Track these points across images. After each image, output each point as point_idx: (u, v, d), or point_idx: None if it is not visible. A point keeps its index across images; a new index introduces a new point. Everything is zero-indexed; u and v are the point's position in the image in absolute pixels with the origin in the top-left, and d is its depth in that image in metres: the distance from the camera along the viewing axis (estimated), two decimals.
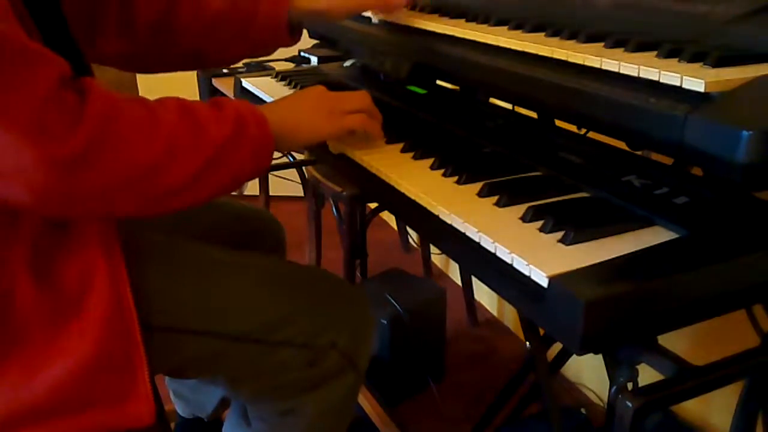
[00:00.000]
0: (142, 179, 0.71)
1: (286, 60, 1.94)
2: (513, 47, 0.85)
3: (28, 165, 0.64)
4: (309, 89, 0.92)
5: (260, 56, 1.15)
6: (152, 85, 2.79)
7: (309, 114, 0.88)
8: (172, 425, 1.34)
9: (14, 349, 0.74)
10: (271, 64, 1.93)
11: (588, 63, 0.74)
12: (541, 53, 0.80)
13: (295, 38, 1.10)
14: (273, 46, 1.11)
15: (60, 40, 0.85)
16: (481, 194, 0.76)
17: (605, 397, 1.58)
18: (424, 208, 0.76)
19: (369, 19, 1.21)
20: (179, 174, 0.72)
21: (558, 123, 1.00)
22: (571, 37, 0.83)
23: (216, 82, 1.92)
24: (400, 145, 0.93)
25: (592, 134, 0.93)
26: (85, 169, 0.66)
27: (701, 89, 0.62)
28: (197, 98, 1.99)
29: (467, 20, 1.02)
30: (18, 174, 0.65)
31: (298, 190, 2.47)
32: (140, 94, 2.82)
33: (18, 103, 0.63)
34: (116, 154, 0.68)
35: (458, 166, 0.82)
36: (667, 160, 0.80)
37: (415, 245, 2.41)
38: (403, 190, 0.81)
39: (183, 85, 2.05)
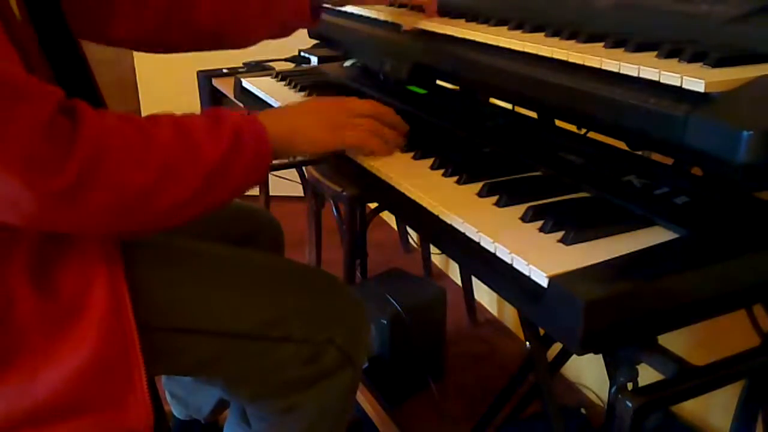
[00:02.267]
0: (138, 202, 0.71)
1: (286, 60, 1.94)
2: (513, 47, 0.85)
3: (21, 198, 0.65)
4: (321, 99, 0.91)
5: (281, 37, 1.13)
6: (153, 87, 2.79)
7: (310, 125, 0.87)
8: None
9: (14, 355, 0.75)
10: (271, 64, 1.93)
11: (588, 63, 0.74)
12: (541, 53, 0.80)
13: (316, 19, 1.10)
14: (294, 27, 1.11)
15: (61, 48, 0.85)
16: (481, 194, 0.76)
17: (605, 397, 1.58)
18: (424, 209, 0.76)
19: (369, 18, 1.21)
20: (175, 194, 0.73)
21: (558, 123, 1.00)
22: (570, 37, 0.83)
23: (216, 82, 1.92)
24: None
25: (592, 134, 0.93)
26: (78, 198, 0.67)
27: (701, 89, 0.62)
28: (197, 98, 1.99)
29: (467, 20, 1.02)
30: (12, 205, 0.66)
31: (298, 190, 2.47)
32: (141, 97, 2.83)
33: (8, 139, 0.62)
34: (110, 180, 0.68)
35: (458, 166, 0.82)
36: (668, 160, 0.80)
37: (415, 245, 2.41)
38: (403, 190, 0.81)
39: (183, 85, 2.05)
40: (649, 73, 0.67)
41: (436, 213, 0.74)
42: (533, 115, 1.03)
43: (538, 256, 0.61)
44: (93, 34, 1.00)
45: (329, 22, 1.30)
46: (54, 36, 0.85)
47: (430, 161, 0.86)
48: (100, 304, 0.76)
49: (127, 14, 1.01)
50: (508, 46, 0.86)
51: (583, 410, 1.53)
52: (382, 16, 1.16)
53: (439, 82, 1.17)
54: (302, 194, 2.33)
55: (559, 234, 0.65)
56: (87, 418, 0.77)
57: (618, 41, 0.77)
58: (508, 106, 1.13)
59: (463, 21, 1.02)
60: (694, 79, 0.63)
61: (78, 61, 0.91)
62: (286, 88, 1.28)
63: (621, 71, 0.70)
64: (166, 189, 0.72)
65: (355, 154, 0.92)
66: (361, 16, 1.24)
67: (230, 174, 0.77)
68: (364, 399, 1.58)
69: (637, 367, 0.66)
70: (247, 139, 0.78)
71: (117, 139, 0.69)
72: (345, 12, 1.29)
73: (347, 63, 1.46)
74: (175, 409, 1.31)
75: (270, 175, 2.29)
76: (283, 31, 1.11)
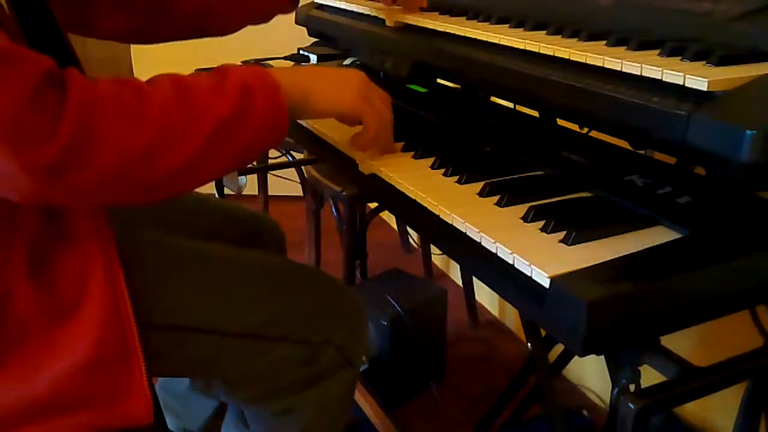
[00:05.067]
0: (136, 167, 0.67)
1: (284, 58, 1.93)
2: (514, 45, 0.84)
3: (12, 173, 0.63)
4: (345, 68, 0.88)
5: (260, 23, 1.13)
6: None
7: (332, 83, 0.82)
8: None
9: (13, 350, 0.74)
10: (270, 62, 1.93)
11: (590, 61, 0.73)
12: (542, 51, 0.80)
13: (294, 4, 1.11)
14: (272, 12, 1.12)
15: (45, 31, 0.84)
16: (482, 194, 0.75)
17: (607, 399, 1.58)
18: (425, 208, 0.75)
19: (369, 17, 1.20)
20: (176, 158, 0.69)
21: (560, 122, 1.00)
22: (572, 36, 0.82)
23: None
24: (401, 145, 0.92)
25: (594, 133, 0.92)
26: (71, 168, 0.64)
27: (704, 88, 0.62)
28: None
29: (468, 18, 1.01)
30: (4, 180, 0.64)
31: (297, 190, 2.47)
32: None
33: None
34: (103, 146, 0.65)
35: (459, 165, 0.82)
36: (670, 160, 0.79)
37: (415, 245, 2.41)
38: (403, 190, 0.80)
39: None
40: (651, 71, 0.66)
41: (436, 213, 0.73)
42: (535, 114, 1.03)
43: (540, 257, 0.60)
44: (79, 28, 1.00)
45: (329, 20, 1.30)
46: (43, 34, 0.85)
47: (430, 161, 0.86)
48: (98, 299, 0.75)
49: (110, 10, 1.01)
50: (509, 44, 0.85)
51: (585, 412, 1.52)
52: (382, 14, 1.16)
53: (439, 80, 1.17)
54: (302, 194, 2.33)
55: (561, 234, 0.64)
56: (87, 412, 0.77)
57: (620, 39, 0.77)
58: (510, 104, 1.12)
59: (463, 19, 1.02)
60: (696, 78, 0.62)
61: (69, 60, 0.90)
62: None
63: (623, 69, 0.69)
64: (166, 152, 0.68)
65: (351, 145, 0.91)
66: (361, 14, 1.23)
67: (239, 133, 0.72)
68: (363, 401, 1.57)
69: (640, 368, 0.66)
70: (258, 95, 0.74)
71: (109, 102, 0.66)
72: (345, 10, 1.28)
73: (347, 61, 1.45)
74: (169, 422, 1.30)
75: (269, 175, 2.28)
76: (262, 16, 1.12)
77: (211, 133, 0.70)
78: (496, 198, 0.74)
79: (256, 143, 0.75)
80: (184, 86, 0.71)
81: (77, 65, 0.91)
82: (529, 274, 0.60)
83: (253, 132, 0.74)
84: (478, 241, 0.66)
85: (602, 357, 0.98)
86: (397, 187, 0.81)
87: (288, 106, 0.76)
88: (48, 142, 0.62)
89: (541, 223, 0.67)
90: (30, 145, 0.62)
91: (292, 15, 1.22)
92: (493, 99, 1.23)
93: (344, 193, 1.63)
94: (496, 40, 0.87)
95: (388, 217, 2.62)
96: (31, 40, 0.78)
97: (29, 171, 0.63)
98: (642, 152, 0.85)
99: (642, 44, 0.74)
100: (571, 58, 0.76)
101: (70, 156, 0.64)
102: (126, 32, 1.05)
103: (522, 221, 0.69)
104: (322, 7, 1.37)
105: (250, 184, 1.99)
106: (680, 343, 1.18)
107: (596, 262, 0.59)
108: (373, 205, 1.88)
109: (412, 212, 0.77)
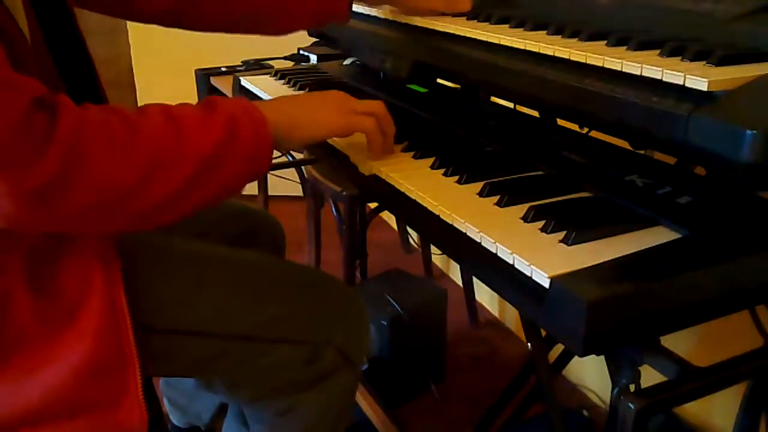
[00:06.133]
0: (124, 197, 0.67)
1: (284, 58, 1.94)
2: (514, 45, 0.84)
3: None
4: (324, 91, 0.87)
5: (315, 28, 1.12)
6: (150, 86, 2.79)
7: (315, 110, 0.83)
8: None
9: (11, 355, 0.74)
10: (270, 62, 1.93)
11: (590, 61, 0.73)
12: (542, 51, 0.80)
13: (350, 14, 1.09)
14: (329, 19, 1.10)
15: (67, 46, 0.84)
16: (482, 194, 0.75)
17: (607, 399, 1.58)
18: (425, 208, 0.75)
19: (369, 16, 1.20)
20: (163, 189, 0.69)
21: (560, 122, 1.00)
22: (572, 36, 0.82)
23: (214, 81, 1.91)
24: (401, 145, 0.92)
25: (594, 133, 0.93)
26: (57, 195, 0.64)
27: (704, 88, 0.61)
28: (195, 97, 1.99)
29: (468, 18, 1.01)
30: None
31: (297, 190, 2.47)
32: (138, 96, 2.83)
33: None
34: (90, 175, 0.65)
35: (459, 165, 0.82)
36: (670, 160, 0.79)
37: (415, 245, 2.41)
38: (403, 190, 0.80)
39: (181, 84, 2.05)
40: (651, 71, 0.66)
41: (436, 213, 0.73)
42: (535, 114, 1.03)
43: (540, 257, 0.60)
44: (123, 9, 0.98)
45: None
46: (60, 34, 0.85)
47: (430, 161, 0.86)
48: (96, 305, 0.75)
49: None
50: (509, 44, 0.85)
51: (585, 412, 1.52)
52: (381, 14, 1.16)
53: (439, 80, 1.17)
54: (302, 194, 2.33)
55: (561, 234, 0.64)
56: (81, 419, 0.77)
57: (620, 39, 0.77)
58: (510, 104, 1.12)
59: (463, 19, 1.02)
60: (696, 78, 0.62)
61: (84, 61, 0.90)
62: (286, 86, 1.27)
63: (623, 69, 0.69)
64: (153, 185, 0.68)
65: (350, 150, 0.91)
66: (360, 14, 1.23)
67: (225, 166, 0.73)
68: (364, 401, 1.57)
69: (640, 368, 0.66)
70: (244, 128, 0.74)
71: (99, 132, 0.66)
72: None
73: (347, 61, 1.45)
74: (174, 417, 1.31)
75: (269, 175, 2.28)
76: (319, 21, 1.10)
77: (197, 166, 0.71)
78: (496, 198, 0.74)
79: (241, 175, 0.76)
80: (173, 117, 0.72)
81: (96, 76, 0.91)
82: (529, 274, 0.60)
83: (240, 164, 0.75)
84: (478, 241, 0.66)
85: (602, 357, 0.98)
86: (397, 187, 0.81)
87: (273, 138, 0.77)
88: (35, 166, 0.62)
89: (541, 223, 0.67)
90: (16, 169, 0.61)
91: None
92: (493, 99, 1.23)
93: (344, 193, 1.63)
94: (496, 41, 0.87)
95: (388, 217, 2.62)
96: (53, 52, 0.77)
97: (14, 195, 0.62)
98: (642, 152, 0.85)
99: (642, 44, 0.74)
100: (571, 58, 0.75)
101: (56, 183, 0.63)
102: (173, 13, 1.01)
103: (522, 221, 0.69)
104: None
105: (250, 184, 1.99)
106: (680, 343, 1.18)
107: (596, 262, 0.59)
108: (373, 205, 1.88)
109: (412, 212, 0.77)
